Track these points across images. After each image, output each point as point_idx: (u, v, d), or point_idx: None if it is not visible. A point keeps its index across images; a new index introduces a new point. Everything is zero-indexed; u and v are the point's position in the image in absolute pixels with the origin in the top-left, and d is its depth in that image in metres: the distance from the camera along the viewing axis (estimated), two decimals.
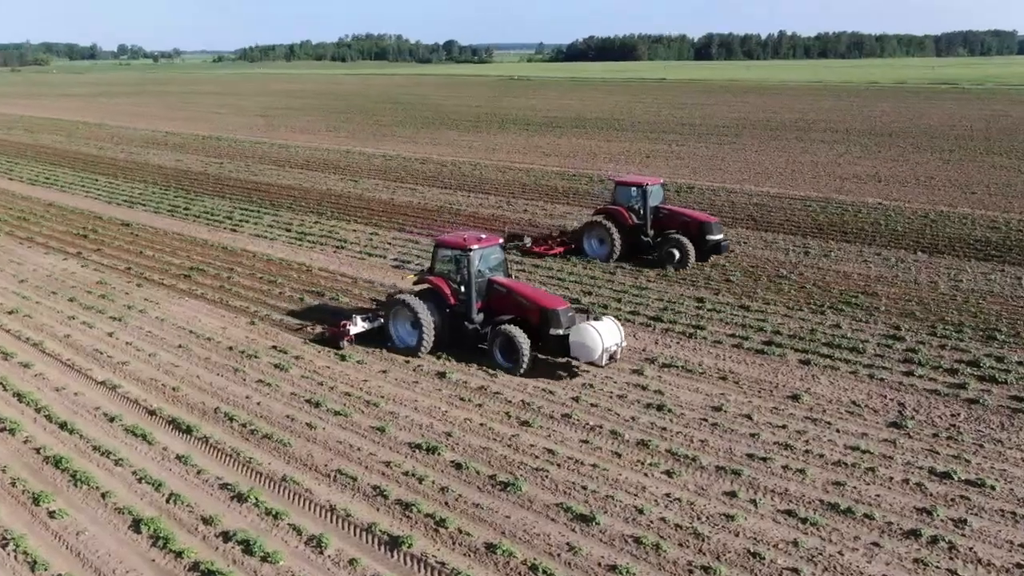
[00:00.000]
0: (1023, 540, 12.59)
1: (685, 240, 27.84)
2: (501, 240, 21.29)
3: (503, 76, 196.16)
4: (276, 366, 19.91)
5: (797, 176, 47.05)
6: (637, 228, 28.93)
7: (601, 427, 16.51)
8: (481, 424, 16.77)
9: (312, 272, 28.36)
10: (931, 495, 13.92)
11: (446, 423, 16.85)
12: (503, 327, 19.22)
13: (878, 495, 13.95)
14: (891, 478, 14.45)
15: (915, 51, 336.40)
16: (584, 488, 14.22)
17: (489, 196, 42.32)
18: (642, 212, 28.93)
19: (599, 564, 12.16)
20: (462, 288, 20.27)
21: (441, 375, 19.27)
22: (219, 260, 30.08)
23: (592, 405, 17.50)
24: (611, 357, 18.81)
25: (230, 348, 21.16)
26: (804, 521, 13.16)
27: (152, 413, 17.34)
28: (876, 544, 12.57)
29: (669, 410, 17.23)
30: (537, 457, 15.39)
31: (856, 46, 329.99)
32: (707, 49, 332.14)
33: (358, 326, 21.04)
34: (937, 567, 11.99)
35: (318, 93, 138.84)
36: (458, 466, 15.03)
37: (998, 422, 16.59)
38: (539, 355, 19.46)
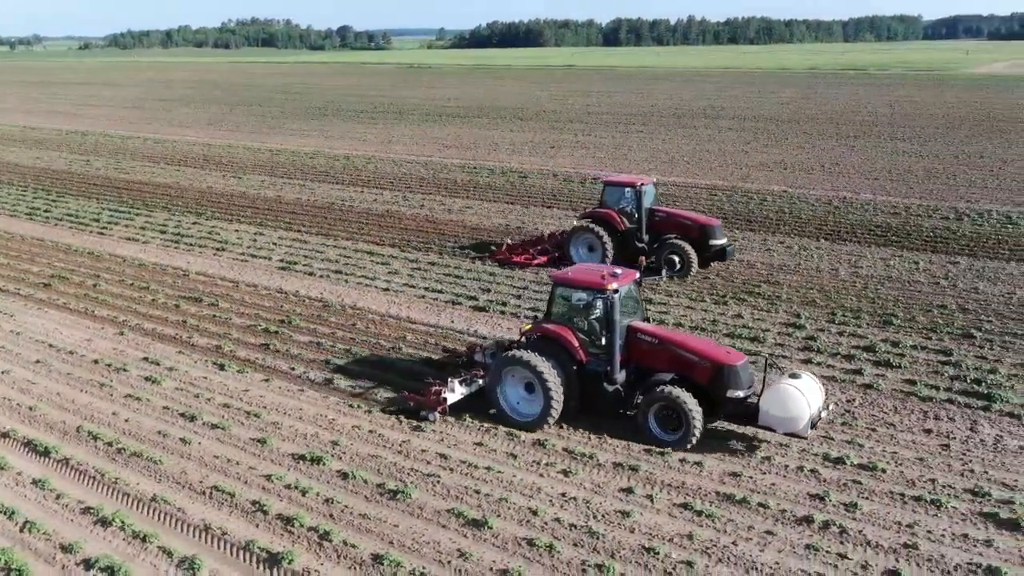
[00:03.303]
0: (911, 520, 13.48)
1: (686, 245, 26.51)
2: (637, 275, 17.74)
3: (402, 64, 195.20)
4: (147, 379, 19.45)
5: (704, 164, 48.60)
6: (630, 233, 27.46)
7: (496, 428, 16.78)
8: (370, 431, 16.82)
9: (189, 277, 27.75)
10: (824, 481, 14.73)
11: (333, 431, 16.83)
12: (663, 389, 15.86)
13: (773, 484, 14.68)
14: (786, 466, 15.22)
15: (823, 36, 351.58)
16: (477, 492, 14.46)
17: (384, 191, 42.18)
18: (636, 215, 27.49)
19: (490, 569, 12.42)
20: (594, 338, 16.95)
21: (328, 382, 19.22)
22: (84, 266, 29.11)
23: (487, 406, 17.71)
24: (813, 425, 15.61)
25: (95, 361, 20.54)
26: (700, 514, 13.74)
27: (4, 435, 16.71)
28: (770, 532, 13.24)
29: None
30: (429, 463, 15.55)
31: (765, 31, 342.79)
32: (615, 34, 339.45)
33: (455, 392, 17.35)
34: (828, 551, 12.71)
35: (199, 83, 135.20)
36: (344, 475, 15.06)
37: (891, 406, 17.65)
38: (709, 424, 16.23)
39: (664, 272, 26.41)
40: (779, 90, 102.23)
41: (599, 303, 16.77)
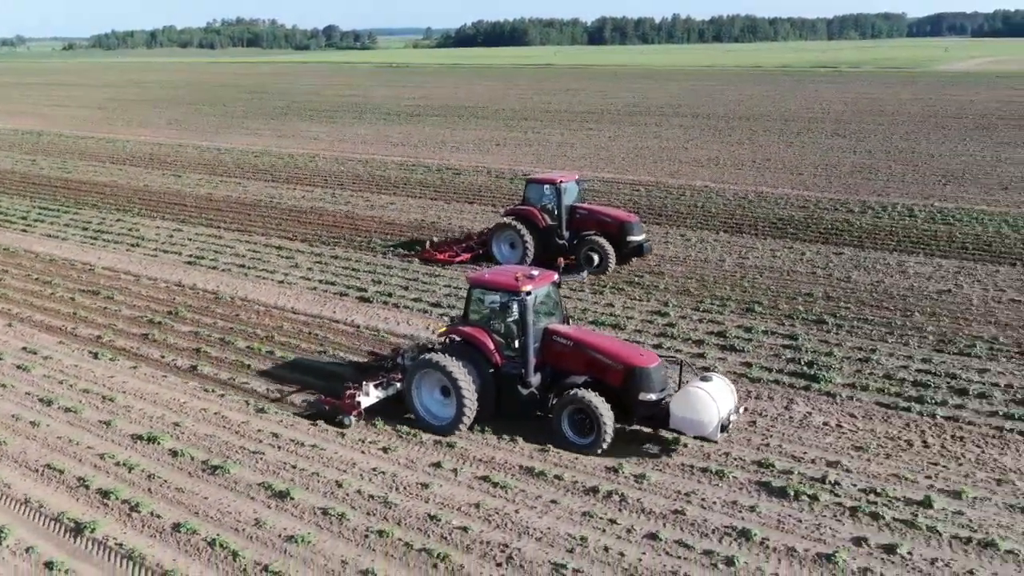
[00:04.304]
0: (689, 489, 14.38)
1: (604, 242, 26.85)
2: (556, 276, 17.57)
3: (383, 63, 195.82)
4: (19, 367, 20.25)
5: (639, 161, 49.52)
6: (551, 230, 27.77)
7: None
8: (216, 413, 17.66)
9: (94, 272, 28.55)
10: (625, 455, 15.62)
11: (180, 414, 17.66)
12: (574, 393, 15.78)
13: (576, 458, 15.56)
14: None
15: (808, 34, 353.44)
16: (293, 467, 15.32)
17: (315, 188, 43.00)
18: (556, 212, 27.77)
19: (280, 536, 13.28)
20: (510, 341, 16.81)
21: (193, 368, 20.08)
22: None
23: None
24: (724, 428, 15.39)
25: None
26: (496, 485, 14.62)
27: None
28: (554, 501, 14.11)
29: None
30: (260, 441, 16.40)
31: (750, 29, 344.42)
32: (600, 33, 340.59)
33: (371, 396, 17.29)
34: (601, 517, 13.59)
35: (174, 83, 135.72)
36: (175, 453, 15.90)
37: None
38: (624, 426, 16.21)
39: (585, 271, 26.82)
40: (747, 88, 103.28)
41: (514, 305, 16.52)
